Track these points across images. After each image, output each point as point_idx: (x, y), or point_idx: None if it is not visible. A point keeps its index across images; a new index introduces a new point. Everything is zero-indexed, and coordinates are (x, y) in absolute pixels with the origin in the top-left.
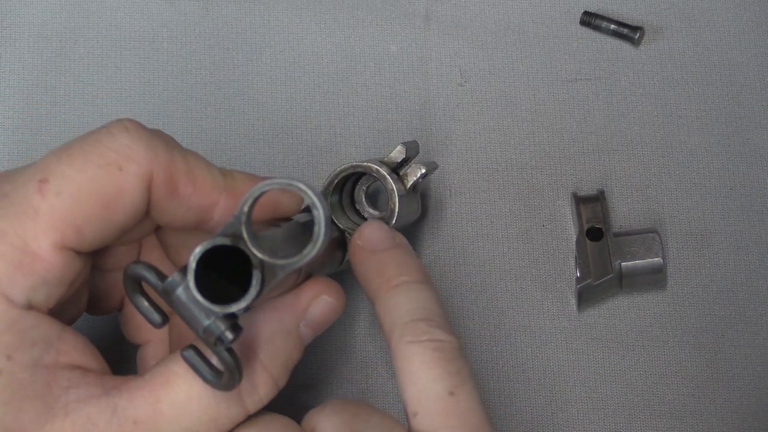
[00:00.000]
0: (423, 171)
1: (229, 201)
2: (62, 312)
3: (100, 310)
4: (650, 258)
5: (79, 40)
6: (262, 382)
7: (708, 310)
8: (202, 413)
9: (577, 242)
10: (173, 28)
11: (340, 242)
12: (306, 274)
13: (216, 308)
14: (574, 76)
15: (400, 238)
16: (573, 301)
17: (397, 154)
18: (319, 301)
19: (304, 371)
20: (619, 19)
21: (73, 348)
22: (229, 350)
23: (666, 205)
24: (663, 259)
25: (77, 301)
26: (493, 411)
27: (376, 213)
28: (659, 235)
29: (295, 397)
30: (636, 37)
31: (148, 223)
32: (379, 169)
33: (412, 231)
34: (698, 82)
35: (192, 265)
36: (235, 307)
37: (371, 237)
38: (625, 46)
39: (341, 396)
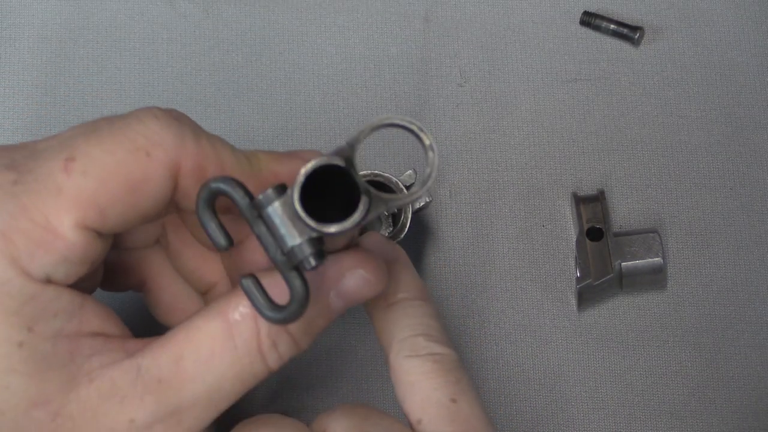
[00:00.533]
0: (429, 199)
1: (257, 184)
2: (76, 286)
3: (114, 287)
4: (650, 258)
5: (79, 41)
6: (282, 340)
7: (708, 310)
8: (227, 368)
9: (577, 242)
10: (173, 30)
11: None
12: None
13: (316, 225)
14: (574, 76)
15: (399, 252)
16: (573, 301)
17: (407, 178)
18: (354, 274)
19: (316, 375)
20: (619, 19)
21: (95, 316)
22: (303, 279)
23: (666, 205)
24: (663, 259)
25: (93, 277)
26: (493, 411)
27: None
28: (659, 235)
29: (306, 400)
30: (636, 37)
31: (170, 205)
32: (399, 182)
33: (413, 232)
34: (698, 82)
35: (300, 178)
36: (336, 228)
37: (371, 247)
38: (625, 46)
39: (350, 398)
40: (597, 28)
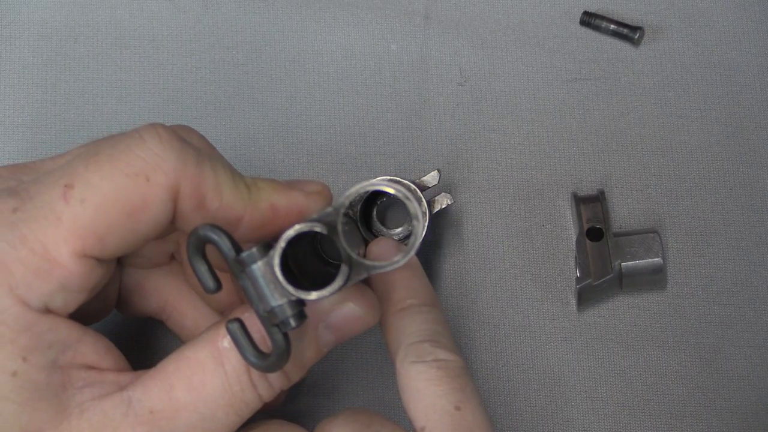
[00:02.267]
0: (450, 202)
1: (254, 215)
2: (86, 310)
3: (132, 311)
4: (650, 258)
5: (79, 38)
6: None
7: (708, 310)
8: (218, 396)
9: (577, 242)
10: (173, 27)
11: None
12: None
13: (294, 292)
14: (574, 76)
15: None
16: (573, 301)
17: (431, 179)
18: (344, 307)
19: (319, 379)
20: (619, 19)
21: (91, 350)
22: (284, 334)
23: (666, 205)
24: (663, 259)
25: (104, 302)
26: (493, 411)
27: (397, 231)
28: (659, 235)
29: (309, 405)
30: (636, 37)
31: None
32: (417, 189)
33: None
34: (698, 82)
35: (282, 244)
36: (314, 296)
37: (381, 256)
38: (625, 46)
39: (352, 403)
40: (597, 28)
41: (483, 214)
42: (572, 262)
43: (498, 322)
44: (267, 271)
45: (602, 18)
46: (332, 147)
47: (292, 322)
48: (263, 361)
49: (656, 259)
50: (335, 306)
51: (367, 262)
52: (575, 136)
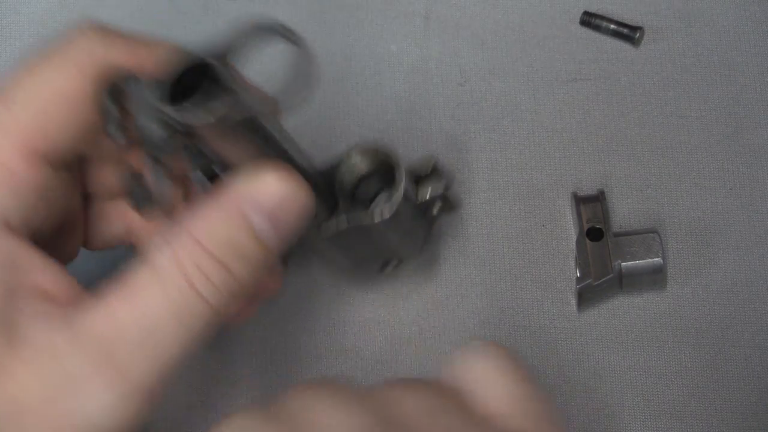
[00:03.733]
0: (442, 191)
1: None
2: (56, 246)
3: (100, 243)
4: (650, 258)
5: None
6: (211, 268)
7: (708, 310)
8: (159, 307)
9: (577, 242)
10: (172, 27)
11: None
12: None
13: (159, 104)
14: (574, 76)
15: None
16: (573, 301)
17: (424, 162)
18: (263, 183)
19: (315, 373)
20: (619, 19)
21: (41, 274)
22: (159, 161)
23: (666, 205)
24: (663, 259)
25: (72, 233)
26: None
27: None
28: (659, 235)
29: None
30: (636, 37)
31: None
32: (403, 171)
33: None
34: (698, 82)
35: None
36: (176, 109)
37: None
38: (625, 46)
39: None
40: (597, 28)
41: (483, 214)
42: (572, 262)
43: (498, 322)
44: (138, 87)
45: (602, 18)
46: (332, 148)
47: (164, 146)
48: (148, 206)
49: (656, 259)
50: (252, 180)
51: (246, 96)
52: (575, 136)
